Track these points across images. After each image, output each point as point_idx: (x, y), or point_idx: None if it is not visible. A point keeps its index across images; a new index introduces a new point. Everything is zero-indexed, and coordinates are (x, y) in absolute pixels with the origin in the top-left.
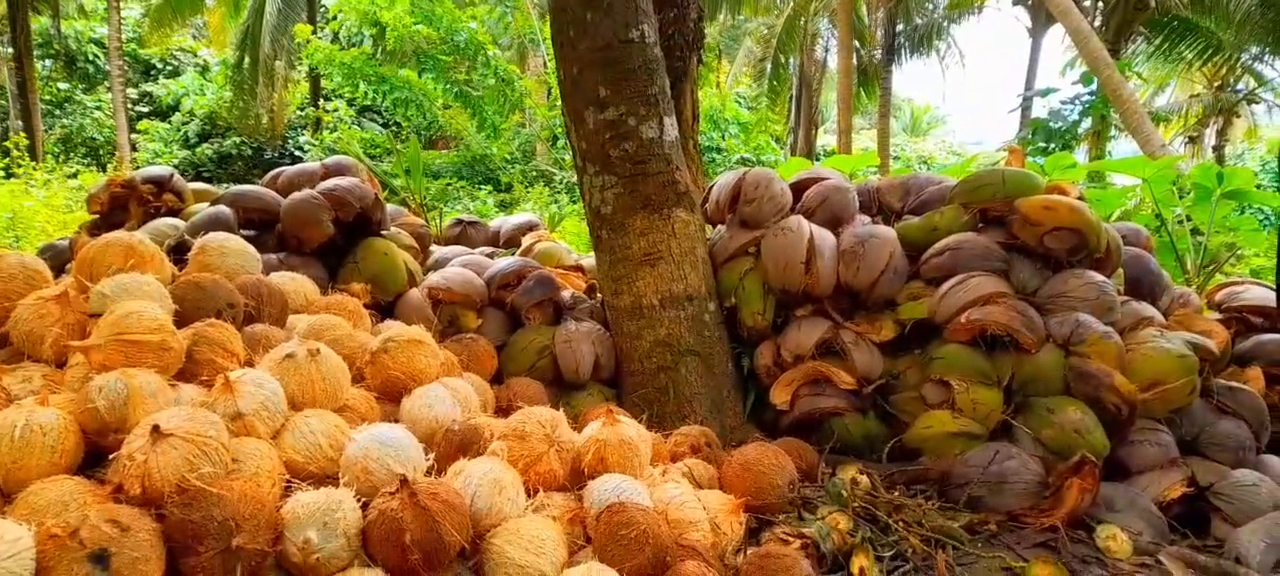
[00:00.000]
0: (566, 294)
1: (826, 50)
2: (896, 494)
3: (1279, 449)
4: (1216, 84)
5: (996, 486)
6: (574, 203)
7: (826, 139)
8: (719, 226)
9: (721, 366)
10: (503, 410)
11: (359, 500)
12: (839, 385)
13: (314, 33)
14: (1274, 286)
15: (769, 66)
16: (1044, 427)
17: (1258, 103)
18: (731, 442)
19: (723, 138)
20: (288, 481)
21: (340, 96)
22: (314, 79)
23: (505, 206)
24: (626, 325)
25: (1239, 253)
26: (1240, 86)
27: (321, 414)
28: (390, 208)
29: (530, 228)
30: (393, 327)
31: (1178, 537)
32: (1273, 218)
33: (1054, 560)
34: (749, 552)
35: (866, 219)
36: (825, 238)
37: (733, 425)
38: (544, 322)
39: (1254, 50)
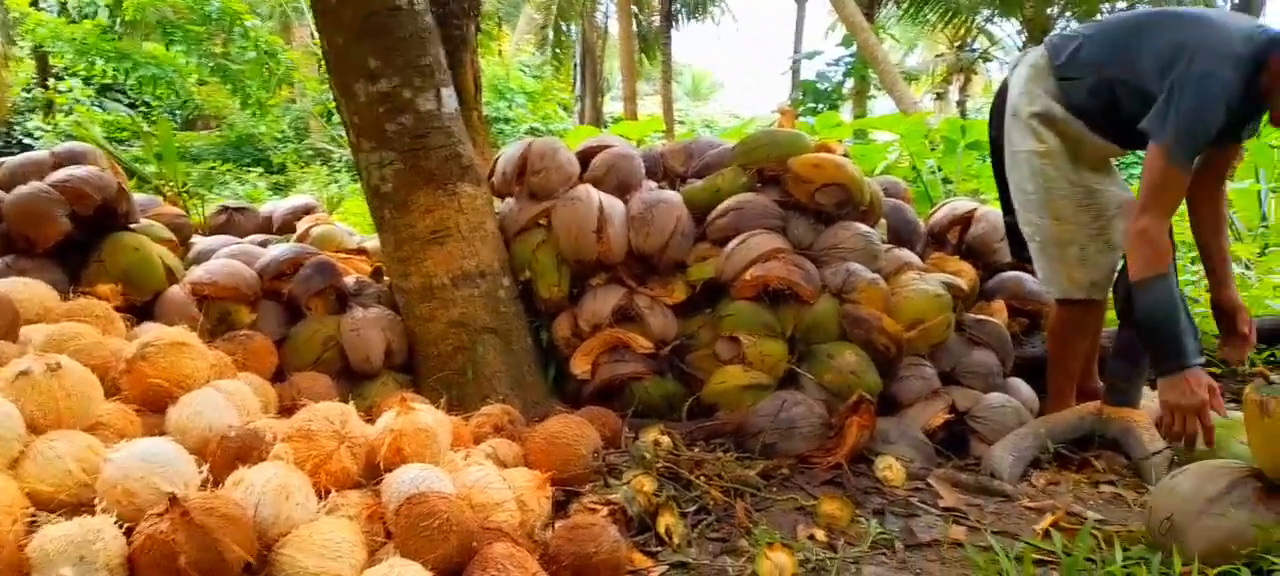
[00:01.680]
0: (350, 279)
1: (607, 17)
2: (697, 450)
3: (1022, 372)
4: (957, 44)
5: (787, 432)
6: (355, 181)
7: (614, 105)
8: (508, 199)
9: (520, 342)
10: (287, 410)
11: (122, 526)
12: (637, 350)
13: (34, 4)
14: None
15: (551, 34)
16: (825, 373)
17: (991, 60)
18: (535, 418)
19: (510, 107)
20: (32, 516)
21: (74, 75)
22: (41, 56)
23: (279, 189)
24: (418, 307)
25: (983, 197)
26: (976, 46)
27: (69, 435)
28: (142, 198)
29: (306, 211)
30: (151, 331)
31: (943, 460)
32: None
33: (840, 495)
34: (557, 525)
35: (653, 184)
36: (615, 205)
37: (535, 400)
38: (327, 312)
39: (986, 12)
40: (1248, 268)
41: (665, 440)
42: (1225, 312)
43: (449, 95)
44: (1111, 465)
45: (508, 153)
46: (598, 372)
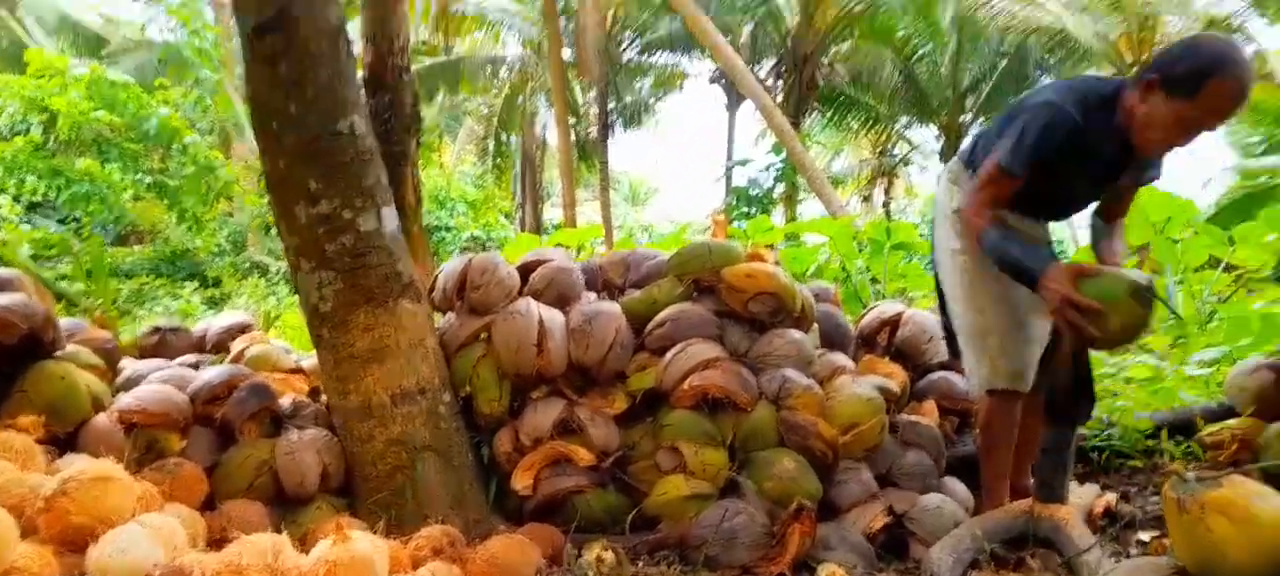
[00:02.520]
0: (286, 400)
1: (546, 127)
2: (641, 565)
3: (956, 471)
4: (879, 149)
5: (729, 542)
6: (294, 293)
7: (554, 212)
8: (448, 314)
9: (461, 459)
10: (217, 542)
11: None
12: (579, 463)
13: None
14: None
15: (492, 144)
16: (765, 480)
17: (910, 164)
18: (476, 537)
19: (451, 216)
20: None
21: (3, 192)
22: None
23: (215, 303)
24: (356, 427)
25: (912, 295)
26: (897, 151)
27: None
28: (69, 322)
29: (242, 329)
30: (75, 464)
31: (884, 564)
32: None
33: None
34: None
35: (592, 296)
36: (554, 318)
37: (476, 519)
38: (261, 435)
39: (904, 120)
40: (1161, 359)
41: (608, 556)
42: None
43: (389, 214)
44: (1047, 563)
45: (448, 268)
46: (539, 487)
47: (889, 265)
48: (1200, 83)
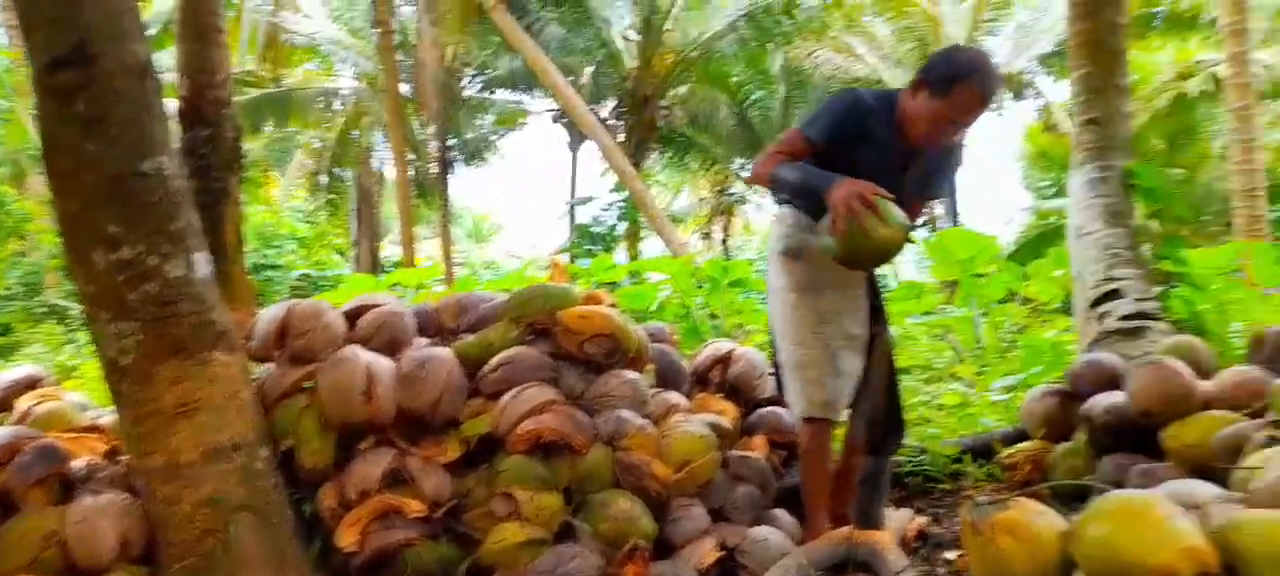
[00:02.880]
0: (79, 463)
1: (383, 162)
2: None
3: (783, 502)
4: (718, 188)
5: None
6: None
7: (392, 250)
8: (267, 364)
9: (280, 517)
10: None
11: None
12: (409, 514)
13: None
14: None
15: (325, 179)
16: (600, 522)
17: (747, 203)
18: None
19: (279, 255)
20: None
21: None
22: None
23: (4, 353)
24: (161, 489)
25: (748, 330)
26: (734, 190)
27: None
28: None
29: (30, 384)
30: None
31: None
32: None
33: None
34: None
35: (425, 341)
36: (383, 364)
37: None
38: (49, 503)
39: (740, 161)
40: (969, 386)
41: None
42: None
43: (202, 259)
44: None
45: (267, 315)
46: (367, 542)
47: (727, 301)
48: (950, 85)
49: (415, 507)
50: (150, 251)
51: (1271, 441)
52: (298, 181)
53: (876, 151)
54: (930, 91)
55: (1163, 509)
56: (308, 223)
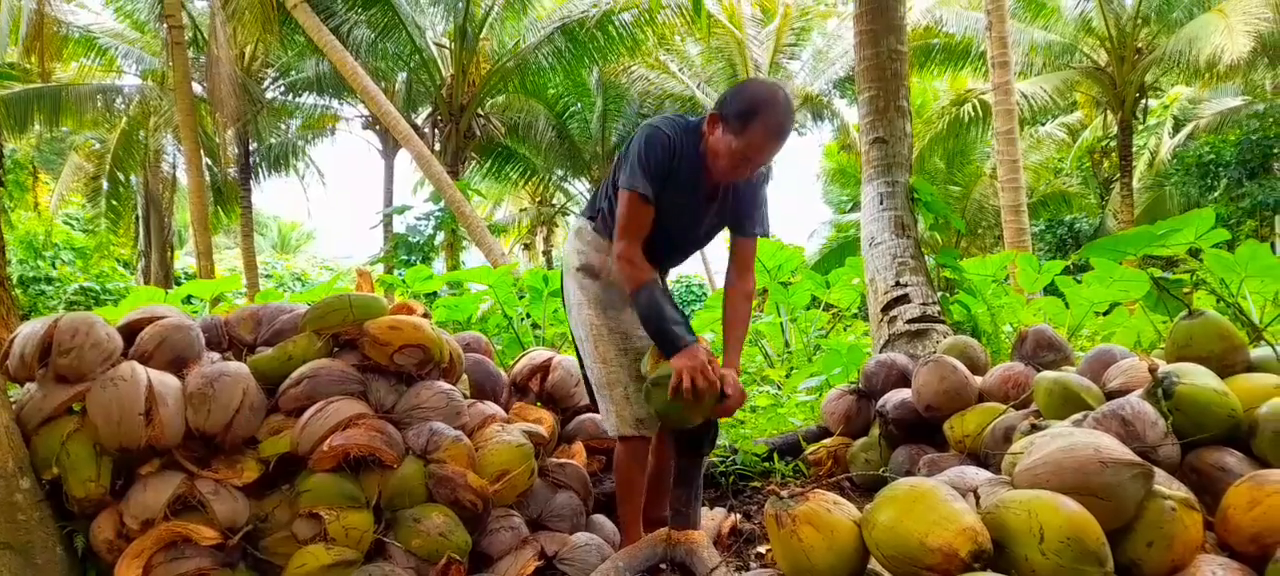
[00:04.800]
0: None
1: (175, 166)
2: None
3: (603, 509)
4: (538, 199)
5: None
6: None
7: (187, 261)
8: (28, 385)
9: (47, 555)
10: None
11: None
12: (200, 543)
13: None
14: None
15: (107, 184)
16: (413, 538)
17: (568, 214)
18: None
19: (52, 266)
20: None
21: None
22: None
23: None
24: None
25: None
26: (556, 200)
27: None
28: None
29: None
30: None
31: None
32: None
33: None
34: None
35: (216, 356)
36: (167, 382)
37: None
38: None
39: (560, 172)
40: (778, 388)
41: None
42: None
43: None
44: None
45: (27, 331)
46: None
47: (548, 311)
48: (745, 122)
49: (207, 535)
50: None
51: (1033, 428)
52: (73, 186)
53: (684, 191)
54: (725, 127)
55: (942, 493)
56: (86, 231)
